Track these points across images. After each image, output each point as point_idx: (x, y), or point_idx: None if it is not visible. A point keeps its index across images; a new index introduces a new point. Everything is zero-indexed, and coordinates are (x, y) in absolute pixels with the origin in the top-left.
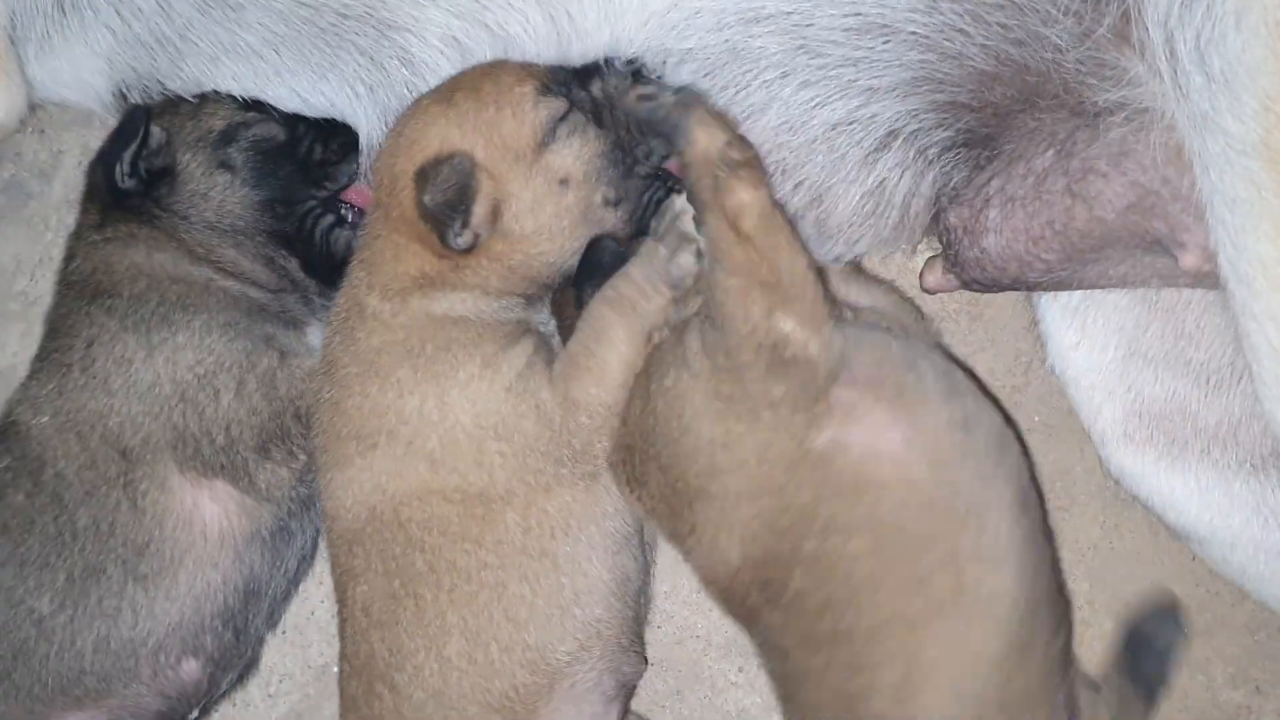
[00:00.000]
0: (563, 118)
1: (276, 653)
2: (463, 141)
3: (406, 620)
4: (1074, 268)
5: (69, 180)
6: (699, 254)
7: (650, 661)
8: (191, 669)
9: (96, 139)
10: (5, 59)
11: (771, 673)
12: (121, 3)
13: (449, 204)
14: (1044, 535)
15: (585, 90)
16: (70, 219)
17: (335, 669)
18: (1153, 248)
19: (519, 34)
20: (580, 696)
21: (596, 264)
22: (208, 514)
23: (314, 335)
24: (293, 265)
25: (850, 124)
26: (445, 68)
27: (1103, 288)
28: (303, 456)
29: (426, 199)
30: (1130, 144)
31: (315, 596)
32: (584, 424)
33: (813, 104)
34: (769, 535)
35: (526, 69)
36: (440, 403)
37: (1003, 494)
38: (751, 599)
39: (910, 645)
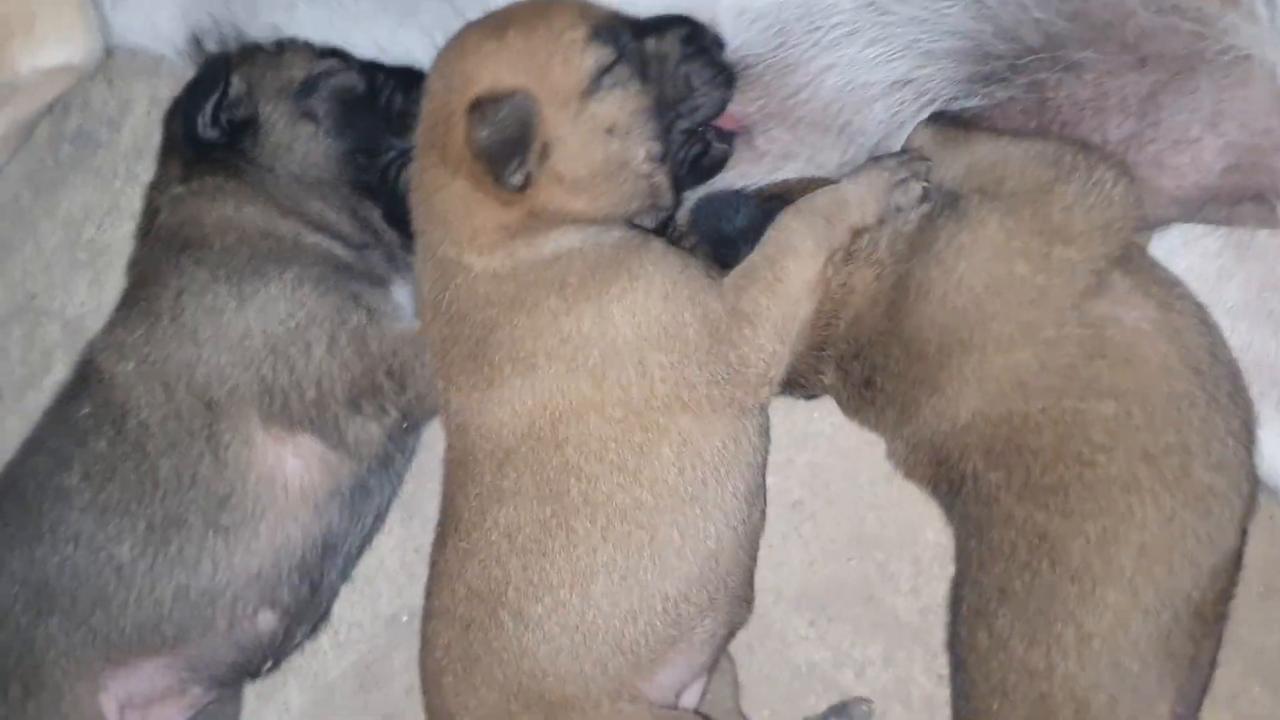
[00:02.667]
0: (609, 67)
1: (345, 602)
2: (514, 80)
3: (555, 551)
4: (1161, 224)
5: (137, 129)
6: (925, 194)
7: None
8: (267, 621)
9: (165, 88)
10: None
11: (962, 551)
12: None
13: (505, 142)
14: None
15: (639, 42)
16: (139, 168)
17: (404, 618)
18: (1253, 199)
19: None
20: (697, 647)
21: (737, 223)
22: (289, 469)
23: (398, 293)
24: (376, 217)
25: (908, 83)
26: None
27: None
28: (394, 413)
29: (481, 135)
30: (1226, 101)
31: (384, 546)
32: (747, 336)
33: (875, 61)
34: (1017, 392)
35: (582, 11)
36: (600, 317)
37: (1225, 402)
38: (968, 461)
39: (1127, 511)
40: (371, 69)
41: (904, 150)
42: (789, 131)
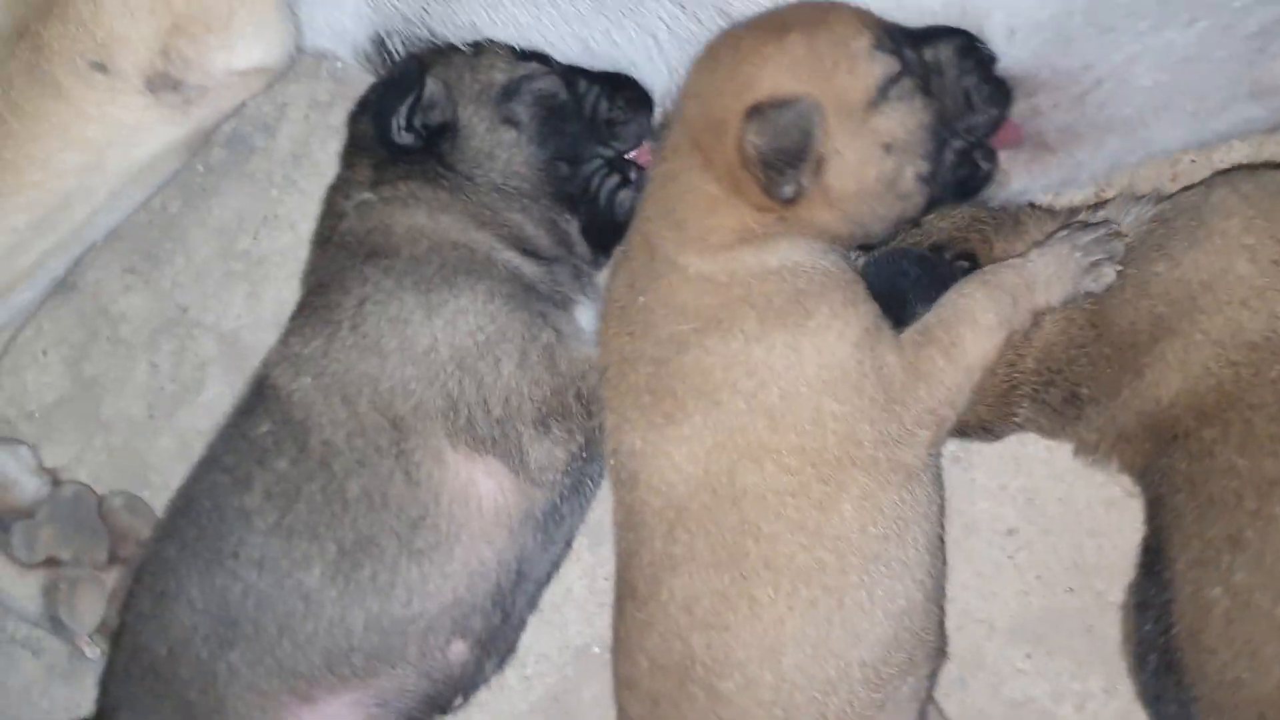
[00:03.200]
0: (895, 79)
1: (532, 633)
2: (797, 86)
3: (738, 625)
4: None
5: (295, 134)
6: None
7: None
8: (460, 651)
9: (324, 91)
10: None
11: (1166, 511)
12: None
13: (786, 150)
14: None
15: (917, 52)
16: (298, 175)
17: (595, 649)
18: None
19: None
20: (902, 705)
21: (913, 274)
22: (483, 489)
23: (582, 316)
24: (573, 230)
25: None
26: None
27: None
28: (580, 439)
29: (760, 142)
30: None
31: (571, 574)
32: (921, 398)
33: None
34: (1229, 359)
35: (862, 17)
36: (790, 350)
37: None
38: (1178, 425)
39: None
40: (573, 73)
41: (1103, 222)
42: (1055, 149)
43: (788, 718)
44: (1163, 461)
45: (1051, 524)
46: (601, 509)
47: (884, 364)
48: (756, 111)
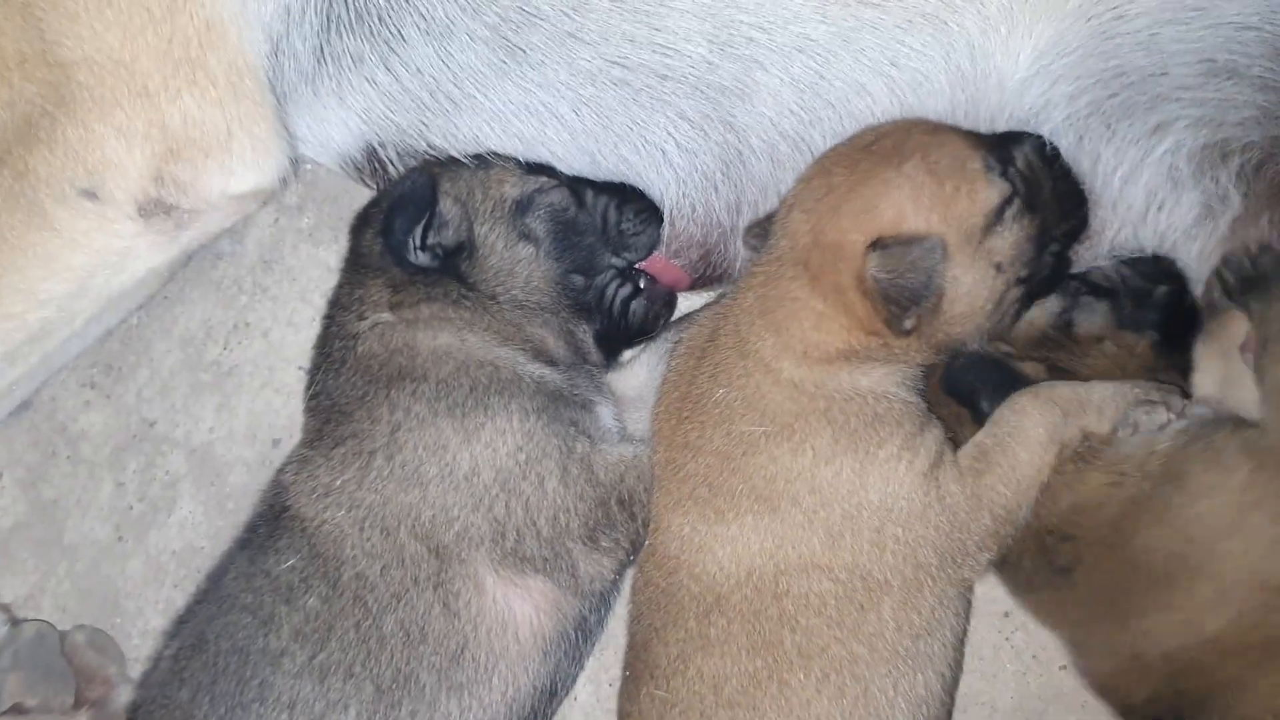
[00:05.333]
0: (1009, 200)
1: None
2: (918, 218)
3: (765, 704)
4: None
5: (263, 239)
6: (1166, 427)
7: None
8: None
9: (293, 195)
10: (269, 111)
11: None
12: (392, 54)
13: (911, 289)
14: None
15: (1012, 164)
16: (268, 281)
17: None
18: None
19: (864, 110)
20: None
21: (988, 380)
22: (519, 614)
23: (605, 416)
24: (589, 338)
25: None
26: (773, 134)
27: None
28: (626, 545)
29: (885, 278)
30: None
31: (579, 681)
32: (986, 525)
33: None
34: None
35: (971, 139)
36: (857, 476)
37: None
38: (1225, 670)
39: None
40: (580, 185)
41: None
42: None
43: None
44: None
45: None
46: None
47: (947, 494)
48: (880, 245)
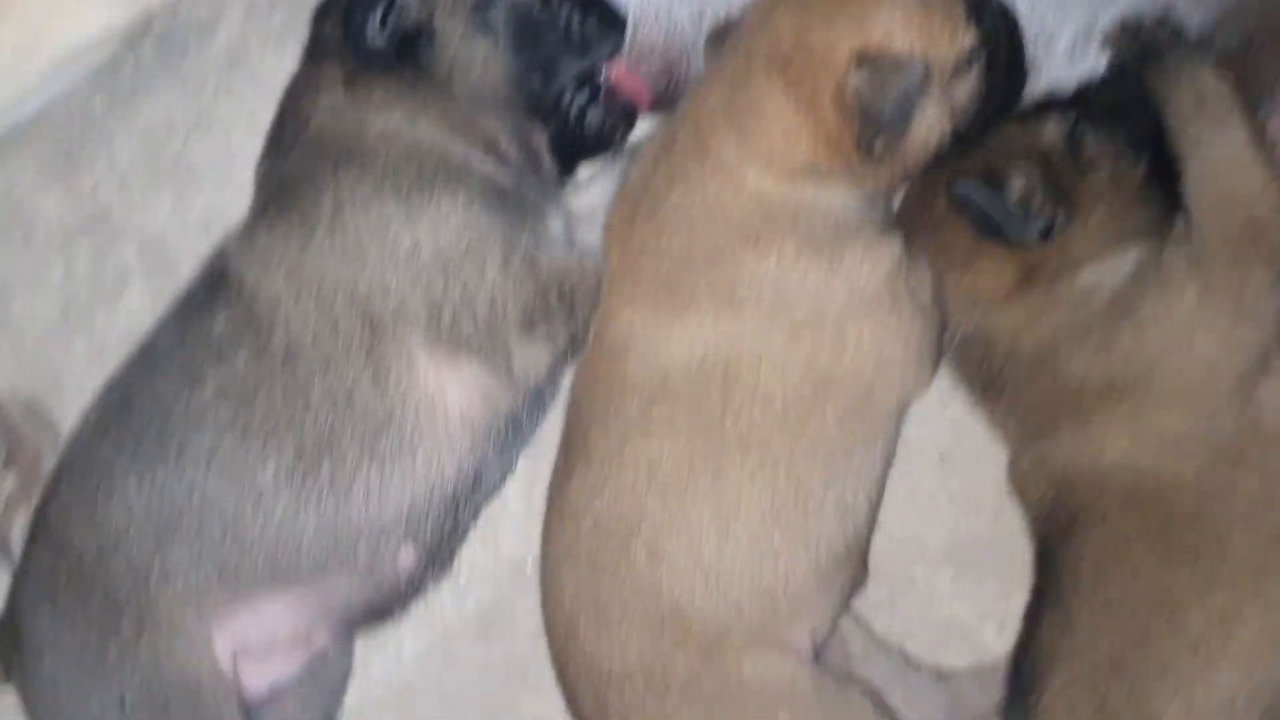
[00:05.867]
0: (978, 50)
1: (467, 546)
2: (905, 41)
3: (698, 489)
4: None
5: (232, 37)
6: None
7: None
8: (408, 559)
9: None
10: None
11: (1063, 586)
12: None
13: (888, 113)
14: None
15: (985, 18)
16: (234, 80)
17: (529, 563)
18: None
19: None
20: (830, 604)
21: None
22: (450, 397)
23: (554, 223)
24: (542, 144)
25: None
26: None
27: None
28: (563, 338)
29: (865, 95)
30: None
31: (510, 491)
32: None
33: None
34: (1170, 448)
35: None
36: (822, 280)
37: None
38: (1104, 500)
39: (1254, 591)
40: None
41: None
42: None
43: (722, 582)
44: (1072, 539)
45: (982, 450)
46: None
47: (910, 293)
48: (867, 61)
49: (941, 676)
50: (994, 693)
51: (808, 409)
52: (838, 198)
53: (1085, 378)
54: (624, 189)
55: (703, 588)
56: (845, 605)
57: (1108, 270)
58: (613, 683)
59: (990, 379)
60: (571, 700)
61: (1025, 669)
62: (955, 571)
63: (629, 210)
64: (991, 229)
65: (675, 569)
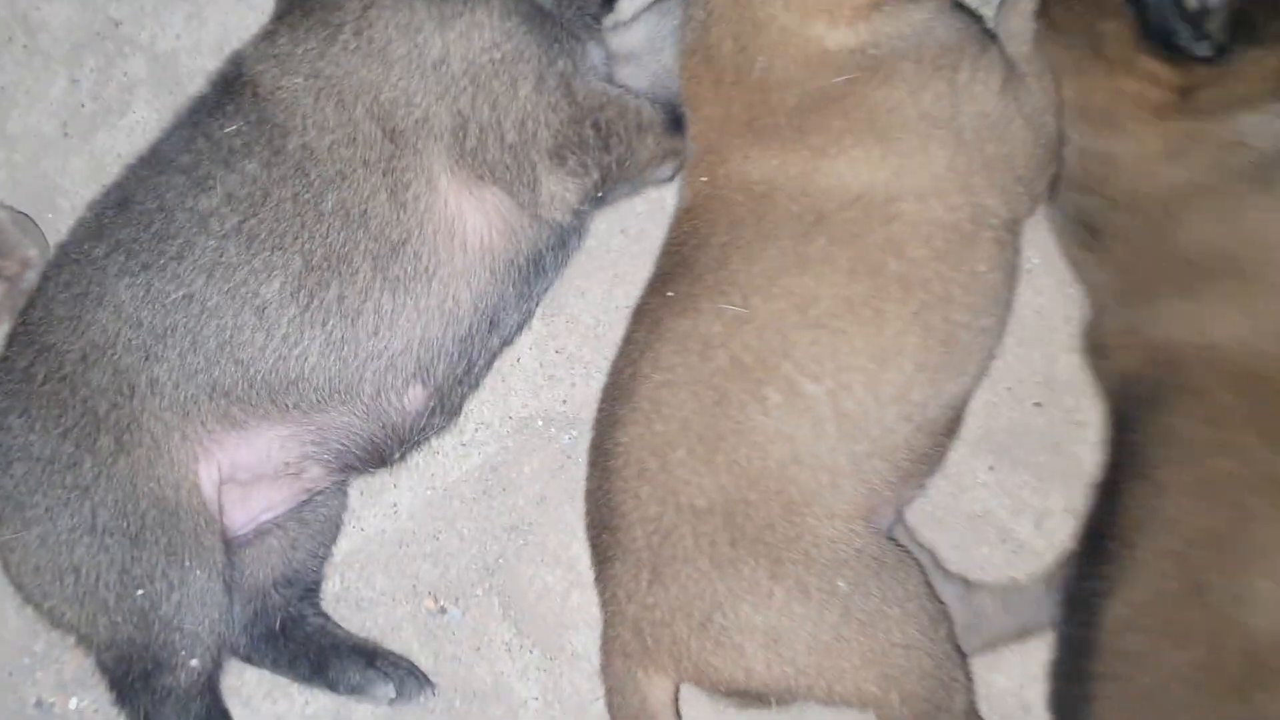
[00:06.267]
0: None
1: (474, 399)
2: None
3: (856, 331)
4: None
5: None
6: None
7: None
8: (416, 397)
9: None
10: None
11: (1149, 462)
12: None
13: None
14: None
15: None
16: None
17: (539, 423)
18: None
19: None
20: (913, 485)
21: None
22: (470, 223)
23: (593, 55)
24: None
25: None
26: None
27: None
28: (594, 174)
29: None
30: None
31: (523, 343)
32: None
33: None
34: None
35: None
36: (949, 98)
37: None
38: (1205, 378)
39: None
40: None
41: None
42: None
43: (851, 437)
44: (1158, 413)
45: (1027, 336)
46: (559, 281)
47: (1024, 103)
48: None
49: (969, 588)
50: (1015, 617)
51: (965, 243)
52: (919, 17)
53: (1204, 246)
54: (688, 49)
55: (830, 440)
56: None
57: (1264, 127)
58: (689, 517)
59: (1099, 222)
60: (611, 533)
61: (1101, 540)
62: (992, 461)
63: (711, 74)
64: (1160, 31)
65: (808, 416)
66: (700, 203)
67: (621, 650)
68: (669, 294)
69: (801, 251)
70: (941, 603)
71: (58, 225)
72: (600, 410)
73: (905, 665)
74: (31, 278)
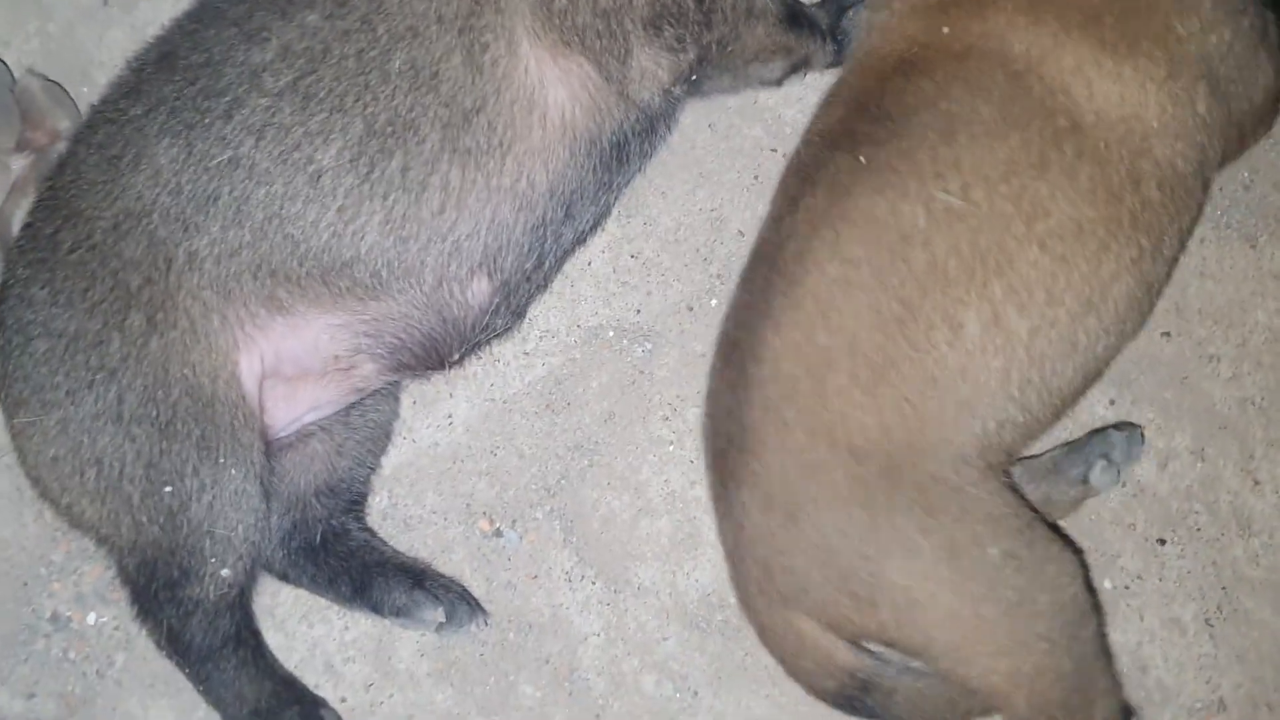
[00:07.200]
0: None
1: (539, 305)
2: None
3: (1081, 261)
4: None
5: None
6: None
7: None
8: (481, 291)
9: None
10: None
11: None
12: None
13: None
14: None
15: None
16: None
17: (610, 333)
18: None
19: None
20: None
21: None
22: (552, 97)
23: None
24: None
25: None
26: None
27: None
28: (691, 52)
29: None
30: None
31: (594, 245)
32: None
33: None
34: None
35: None
36: (1227, 46)
37: None
38: None
39: None
40: None
41: None
42: None
43: (1035, 382)
44: None
45: None
46: (640, 179)
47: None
48: None
49: None
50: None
51: (1188, 195)
52: None
53: None
54: None
55: (1010, 385)
56: None
57: None
58: (845, 457)
59: None
60: (741, 454)
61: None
62: (1114, 394)
63: None
64: None
65: (1001, 353)
66: (925, 55)
67: (759, 589)
68: (860, 158)
69: (1045, 153)
70: (1097, 599)
71: (92, 99)
72: (742, 288)
73: (1042, 664)
74: (62, 149)
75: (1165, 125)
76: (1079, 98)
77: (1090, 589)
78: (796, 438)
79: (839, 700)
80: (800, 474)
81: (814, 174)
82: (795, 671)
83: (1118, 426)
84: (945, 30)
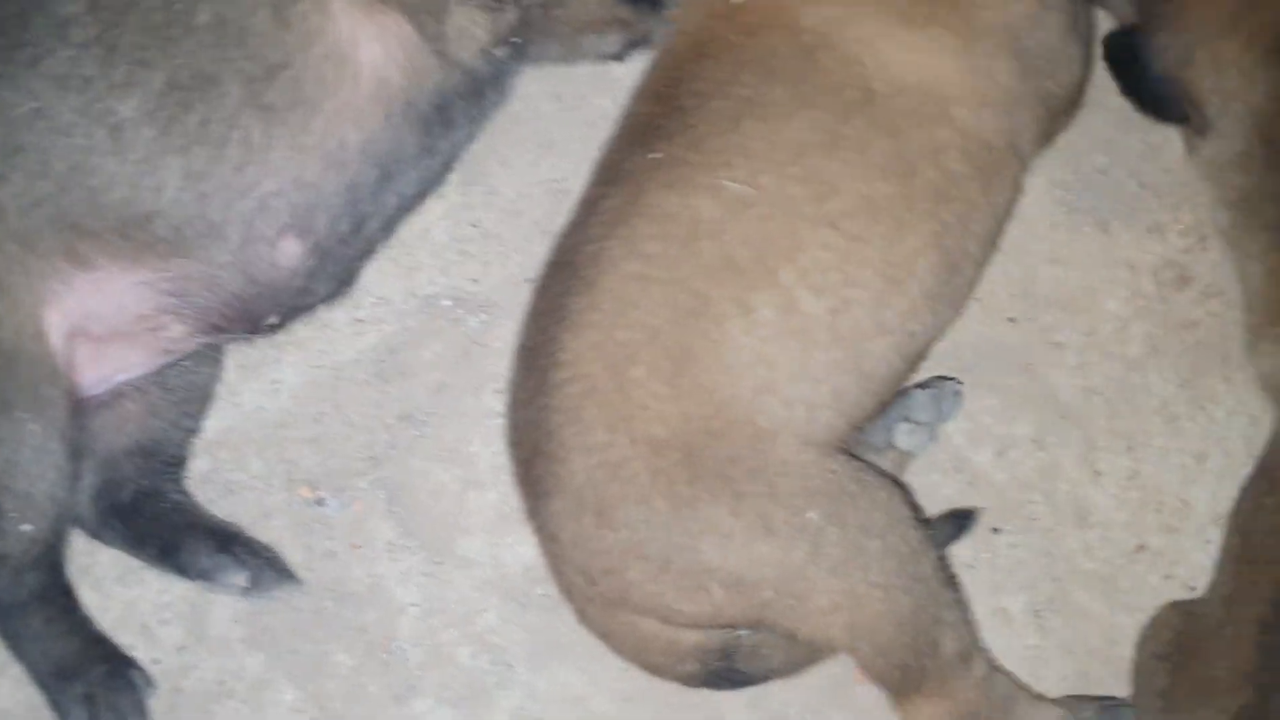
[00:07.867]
0: None
1: (374, 271)
2: None
3: (875, 237)
4: None
5: None
6: None
7: None
8: (292, 252)
9: None
10: None
11: None
12: None
13: None
14: None
15: None
16: None
17: (446, 302)
18: None
19: None
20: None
21: None
22: (365, 54)
23: None
24: None
25: None
26: None
27: None
28: (510, 15)
29: None
30: None
31: (433, 212)
32: None
33: None
34: None
35: None
36: (1033, 18)
37: None
38: None
39: None
40: None
41: None
42: None
43: (840, 363)
44: None
45: (1007, 243)
46: (482, 144)
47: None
48: None
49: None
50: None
51: (996, 168)
52: None
53: None
54: None
55: (811, 367)
56: None
57: None
58: (644, 450)
59: None
60: (546, 462)
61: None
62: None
63: None
64: None
65: (797, 336)
66: (713, 38)
67: (586, 597)
68: (655, 154)
69: (835, 130)
70: (926, 533)
71: None
72: (540, 295)
73: (879, 610)
74: None
75: (965, 94)
76: (871, 68)
77: (921, 524)
78: (598, 436)
79: (710, 679)
80: (604, 473)
81: (613, 174)
82: (652, 668)
83: (923, 385)
84: (735, 1)
